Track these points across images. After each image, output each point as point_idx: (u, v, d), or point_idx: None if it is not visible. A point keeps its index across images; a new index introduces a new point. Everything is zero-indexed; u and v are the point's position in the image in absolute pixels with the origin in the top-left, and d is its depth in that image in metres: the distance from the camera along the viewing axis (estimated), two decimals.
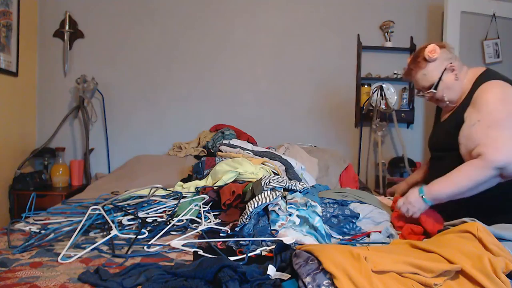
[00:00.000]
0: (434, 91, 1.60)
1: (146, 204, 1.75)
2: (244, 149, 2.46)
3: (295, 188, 1.63)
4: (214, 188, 1.89)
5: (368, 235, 1.45)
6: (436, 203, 1.47)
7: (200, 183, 2.08)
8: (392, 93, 3.39)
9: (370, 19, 3.38)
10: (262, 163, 2.22)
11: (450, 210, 1.48)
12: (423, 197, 1.46)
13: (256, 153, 2.44)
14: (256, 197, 1.51)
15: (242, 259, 1.20)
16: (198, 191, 1.96)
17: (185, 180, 2.30)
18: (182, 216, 1.60)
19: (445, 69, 1.58)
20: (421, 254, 1.03)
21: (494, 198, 1.47)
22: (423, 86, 1.63)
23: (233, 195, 1.72)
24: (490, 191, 1.44)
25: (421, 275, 0.93)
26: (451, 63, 1.58)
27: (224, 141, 2.57)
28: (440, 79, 1.58)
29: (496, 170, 1.37)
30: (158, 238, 1.42)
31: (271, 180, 1.61)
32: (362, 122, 3.37)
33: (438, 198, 1.45)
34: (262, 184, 1.59)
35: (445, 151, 1.61)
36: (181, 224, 1.56)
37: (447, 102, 1.62)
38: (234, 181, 1.96)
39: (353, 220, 1.53)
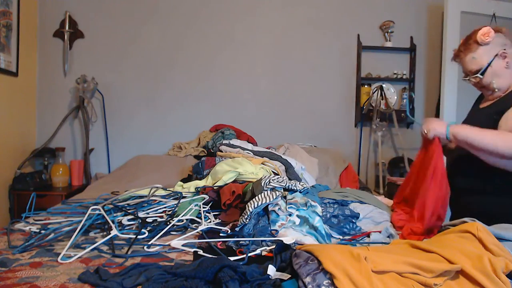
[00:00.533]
0: (481, 76, 1.55)
1: (146, 204, 1.75)
2: (244, 149, 2.46)
3: (295, 188, 1.63)
4: (214, 188, 1.89)
5: (368, 235, 1.45)
6: (453, 139, 1.48)
7: (200, 183, 2.08)
8: (392, 93, 3.39)
9: (370, 19, 3.39)
10: (262, 163, 2.23)
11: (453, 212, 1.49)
12: (448, 126, 1.49)
13: (256, 153, 2.44)
14: (256, 197, 1.51)
15: (242, 259, 1.20)
16: (198, 191, 1.96)
17: (185, 180, 2.30)
18: (182, 216, 1.60)
19: (496, 55, 1.53)
20: (421, 254, 1.03)
21: (495, 205, 1.50)
22: (470, 70, 1.58)
23: (233, 195, 1.72)
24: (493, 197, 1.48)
25: (421, 275, 0.93)
26: (504, 49, 1.53)
27: (224, 141, 2.57)
28: (489, 64, 1.53)
29: None
30: (158, 238, 1.42)
31: (271, 180, 1.61)
32: (362, 122, 3.37)
33: (458, 135, 1.46)
34: (262, 184, 1.59)
35: None
36: (181, 224, 1.56)
37: (496, 90, 1.57)
38: (234, 181, 1.96)
39: (353, 220, 1.53)
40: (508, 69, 1.54)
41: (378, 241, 1.39)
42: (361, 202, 1.66)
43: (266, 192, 1.53)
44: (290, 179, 2.21)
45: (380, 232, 1.46)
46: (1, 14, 2.70)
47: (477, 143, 1.42)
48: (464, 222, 1.21)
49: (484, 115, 1.61)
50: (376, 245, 1.31)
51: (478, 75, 1.56)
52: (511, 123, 1.44)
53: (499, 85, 1.56)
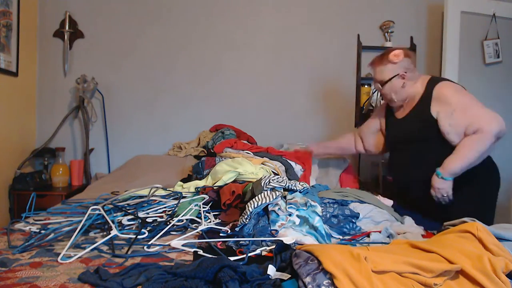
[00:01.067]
0: (381, 87, 1.94)
1: (146, 204, 1.75)
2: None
3: (295, 188, 1.63)
4: (214, 188, 1.90)
5: (368, 235, 1.45)
6: (455, 176, 1.74)
7: (200, 183, 2.08)
8: None
9: (370, 19, 3.38)
10: (262, 163, 2.23)
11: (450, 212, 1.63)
12: (443, 177, 1.74)
13: (256, 153, 2.44)
14: (256, 197, 1.51)
15: (242, 259, 1.20)
16: (198, 191, 1.96)
17: (185, 180, 2.30)
18: (182, 216, 1.60)
19: (397, 74, 1.88)
20: (421, 254, 1.03)
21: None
22: (375, 78, 1.97)
23: (233, 195, 1.72)
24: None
25: (421, 275, 0.93)
26: (405, 72, 1.88)
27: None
28: (389, 79, 1.90)
29: (494, 137, 1.69)
30: (158, 238, 1.42)
31: (271, 180, 1.61)
32: (362, 122, 3.37)
33: (455, 173, 1.73)
34: (262, 184, 1.59)
35: (408, 143, 1.94)
36: (181, 224, 1.56)
37: (395, 100, 1.95)
38: (234, 181, 1.97)
39: (353, 220, 1.53)
40: (403, 88, 1.91)
41: (378, 241, 1.40)
42: (361, 202, 1.66)
43: (266, 192, 1.53)
44: (290, 180, 2.22)
45: (380, 232, 1.46)
46: (1, 14, 2.70)
47: (469, 162, 1.71)
48: (464, 222, 1.21)
49: (408, 123, 1.95)
50: (376, 245, 1.31)
51: (378, 84, 1.95)
52: (459, 128, 1.74)
53: (397, 98, 1.94)
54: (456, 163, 1.72)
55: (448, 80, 1.94)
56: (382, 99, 2.21)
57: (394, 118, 2.07)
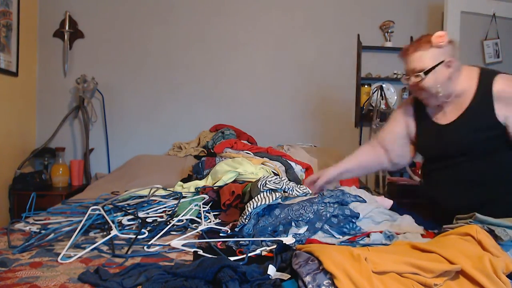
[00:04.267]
0: (423, 76, 1.47)
1: (146, 204, 1.75)
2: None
3: (295, 193, 1.62)
4: (214, 188, 1.90)
5: (368, 235, 1.45)
6: None
7: (200, 183, 2.08)
8: (392, 93, 3.39)
9: (370, 19, 3.38)
10: (262, 163, 2.23)
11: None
12: None
13: (256, 154, 2.44)
14: (256, 198, 1.51)
15: (242, 259, 1.20)
16: (198, 191, 1.96)
17: (185, 180, 2.30)
18: (182, 216, 1.60)
19: (442, 61, 1.47)
20: (421, 254, 1.03)
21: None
22: (413, 68, 1.50)
23: (233, 195, 1.72)
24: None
25: (421, 276, 0.93)
26: (450, 60, 1.48)
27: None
28: (434, 67, 1.47)
29: None
30: (158, 238, 1.42)
31: (267, 182, 1.60)
32: (362, 122, 3.37)
33: None
34: (259, 186, 1.58)
35: (465, 157, 1.49)
36: (181, 224, 1.56)
37: (440, 95, 1.50)
38: (234, 181, 1.97)
39: (353, 220, 1.52)
40: (449, 79, 1.49)
41: (378, 241, 1.39)
42: (361, 201, 1.66)
43: (265, 193, 1.53)
44: (290, 180, 2.22)
45: (381, 232, 1.46)
46: (1, 14, 2.70)
47: None
48: (462, 225, 1.21)
49: (459, 132, 1.52)
50: (377, 246, 1.31)
51: (421, 74, 1.48)
52: None
53: (442, 90, 1.50)
54: None
55: (505, 73, 1.52)
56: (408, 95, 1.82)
57: (432, 123, 1.62)
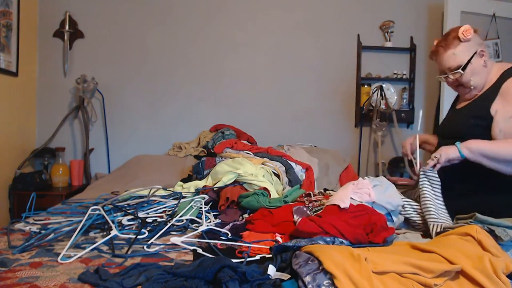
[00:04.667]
0: (462, 72, 1.56)
1: (146, 204, 1.75)
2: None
3: None
4: (214, 189, 1.90)
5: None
6: (468, 156, 1.46)
7: (200, 183, 2.08)
8: (392, 93, 3.39)
9: (370, 19, 3.38)
10: (263, 164, 2.23)
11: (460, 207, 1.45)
12: (456, 145, 1.48)
13: (256, 154, 2.44)
14: None
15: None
16: (198, 191, 1.97)
17: (185, 180, 2.30)
18: (182, 216, 1.60)
19: (475, 52, 1.56)
20: (421, 254, 1.03)
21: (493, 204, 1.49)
22: (449, 67, 1.59)
23: (227, 201, 1.75)
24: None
25: (421, 276, 0.93)
26: (482, 49, 1.57)
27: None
28: (469, 61, 1.56)
29: None
30: (158, 238, 1.42)
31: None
32: (362, 122, 3.37)
33: (472, 149, 1.46)
34: None
35: (458, 139, 1.55)
36: (181, 224, 1.56)
37: (472, 88, 1.59)
38: (235, 182, 1.97)
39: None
40: (485, 67, 1.58)
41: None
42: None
43: None
44: (290, 180, 2.22)
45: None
46: (1, 14, 2.70)
47: (493, 154, 1.43)
48: (463, 225, 1.21)
49: (461, 116, 1.64)
50: (377, 246, 1.31)
51: (459, 70, 1.56)
52: (507, 136, 1.46)
53: (476, 83, 1.58)
54: (483, 145, 1.45)
55: None
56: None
57: (454, 108, 1.76)
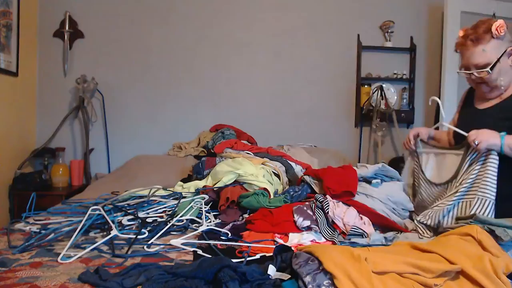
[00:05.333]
0: (490, 71, 1.46)
1: (146, 204, 1.75)
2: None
3: None
4: (214, 189, 1.90)
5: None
6: (508, 152, 1.37)
7: (200, 183, 2.08)
8: (392, 93, 3.39)
9: (370, 19, 3.38)
10: (263, 164, 2.22)
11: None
12: (501, 135, 1.37)
13: (256, 154, 2.44)
14: None
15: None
16: (198, 191, 1.97)
17: (185, 180, 2.29)
18: (182, 216, 1.60)
19: (505, 51, 1.46)
20: (421, 254, 1.03)
21: None
22: (477, 63, 1.48)
23: (227, 201, 1.75)
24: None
25: (422, 276, 0.93)
26: (511, 47, 1.47)
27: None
28: (498, 60, 1.45)
29: None
30: (158, 238, 1.42)
31: None
32: (362, 122, 3.37)
33: None
34: None
35: None
36: (181, 224, 1.56)
37: (502, 88, 1.50)
38: (235, 182, 1.97)
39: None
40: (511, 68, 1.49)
41: (378, 241, 1.39)
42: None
43: None
44: (290, 180, 2.22)
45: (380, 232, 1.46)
46: (1, 14, 2.70)
47: None
48: (463, 225, 1.21)
49: (490, 118, 1.53)
50: (377, 246, 1.31)
51: (487, 69, 1.46)
52: None
53: (504, 83, 1.49)
54: None
55: None
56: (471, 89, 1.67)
57: (473, 108, 1.65)
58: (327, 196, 1.62)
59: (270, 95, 3.35)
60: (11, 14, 2.80)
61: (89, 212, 1.50)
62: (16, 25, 2.85)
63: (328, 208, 1.52)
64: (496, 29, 1.43)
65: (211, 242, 1.37)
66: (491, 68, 1.46)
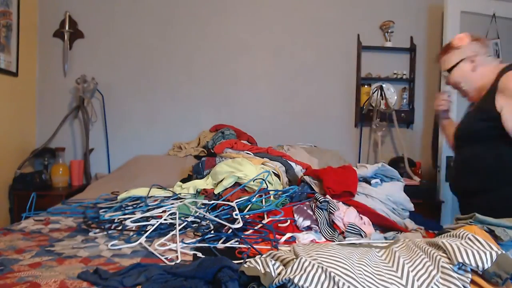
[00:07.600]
0: (448, 73, 1.72)
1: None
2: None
3: None
4: (215, 194, 1.91)
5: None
6: None
7: (200, 183, 2.08)
8: (392, 93, 3.39)
9: (370, 19, 3.38)
10: (263, 164, 2.23)
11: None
12: None
13: (256, 154, 2.44)
14: None
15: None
16: (198, 192, 1.97)
17: (185, 180, 2.29)
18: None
19: (464, 58, 1.66)
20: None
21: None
22: (444, 68, 1.75)
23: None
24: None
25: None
26: (473, 56, 1.65)
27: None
28: (455, 64, 1.68)
29: None
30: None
31: None
32: (362, 122, 3.37)
33: None
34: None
35: (472, 141, 1.65)
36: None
37: (464, 90, 1.71)
38: (236, 184, 1.97)
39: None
40: (474, 72, 1.66)
41: (378, 240, 1.39)
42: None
43: None
44: (290, 180, 2.22)
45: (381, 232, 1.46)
46: (1, 14, 2.70)
47: None
48: (462, 226, 1.21)
49: (470, 118, 1.71)
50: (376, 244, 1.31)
51: (446, 72, 1.72)
52: None
53: (466, 87, 1.69)
54: None
55: None
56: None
57: (469, 109, 1.82)
58: (327, 196, 1.62)
59: (270, 95, 3.35)
60: (11, 14, 2.81)
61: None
62: (16, 25, 2.86)
63: (334, 210, 1.51)
64: (455, 40, 1.71)
65: (211, 244, 1.37)
66: (449, 71, 1.71)
